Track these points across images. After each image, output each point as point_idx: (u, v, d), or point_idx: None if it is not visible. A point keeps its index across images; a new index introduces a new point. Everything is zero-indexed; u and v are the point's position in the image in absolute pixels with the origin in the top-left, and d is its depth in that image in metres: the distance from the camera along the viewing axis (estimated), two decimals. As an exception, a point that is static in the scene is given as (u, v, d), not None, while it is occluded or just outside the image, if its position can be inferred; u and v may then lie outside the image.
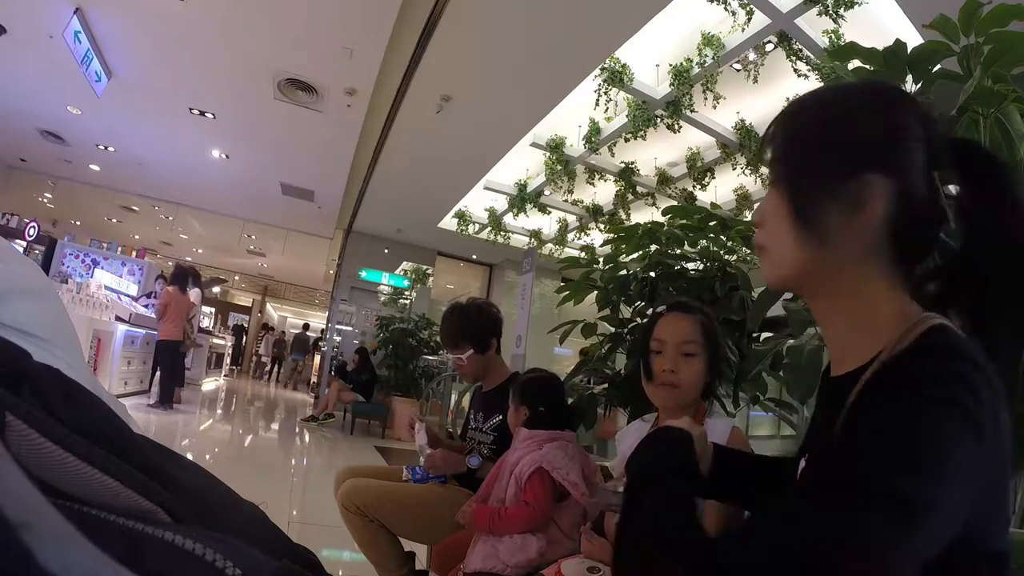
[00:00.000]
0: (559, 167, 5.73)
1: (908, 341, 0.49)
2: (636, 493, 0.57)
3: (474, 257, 9.63)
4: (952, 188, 0.56)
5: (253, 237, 10.69)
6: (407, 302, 9.04)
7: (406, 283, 9.26)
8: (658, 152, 5.70)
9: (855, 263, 0.54)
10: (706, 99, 4.34)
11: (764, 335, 1.59)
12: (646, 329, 1.13)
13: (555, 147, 5.53)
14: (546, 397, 1.53)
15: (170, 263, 13.65)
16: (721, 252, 1.83)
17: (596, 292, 1.97)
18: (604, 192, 6.46)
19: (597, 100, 4.41)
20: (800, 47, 3.86)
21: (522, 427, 1.49)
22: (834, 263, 0.55)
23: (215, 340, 10.61)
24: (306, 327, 14.54)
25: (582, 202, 6.78)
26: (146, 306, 7.08)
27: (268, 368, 15.62)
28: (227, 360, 12.77)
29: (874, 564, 0.40)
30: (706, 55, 4.02)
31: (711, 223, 1.78)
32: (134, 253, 8.81)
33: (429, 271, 9.48)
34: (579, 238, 7.61)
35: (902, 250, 0.54)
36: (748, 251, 1.85)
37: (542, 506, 1.35)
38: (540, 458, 1.37)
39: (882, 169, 0.52)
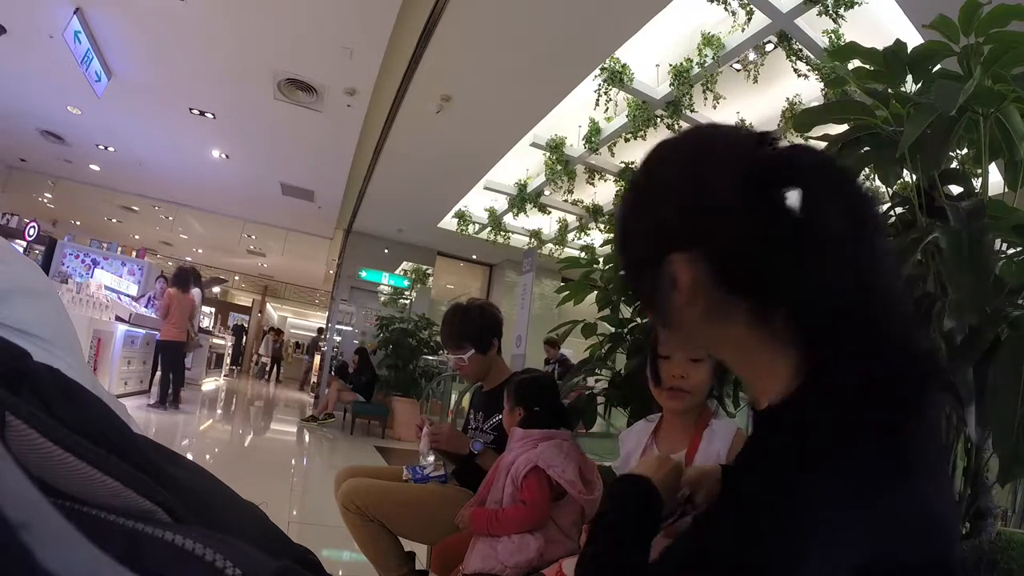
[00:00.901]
0: (559, 167, 5.73)
1: (793, 387, 0.49)
2: (591, 547, 0.61)
3: (474, 257, 9.63)
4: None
5: (253, 237, 10.69)
6: (407, 302, 9.04)
7: (406, 283, 9.26)
8: (658, 152, 5.70)
9: (710, 324, 0.54)
10: (706, 99, 4.34)
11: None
12: (654, 334, 1.14)
13: (555, 147, 5.53)
14: (541, 397, 1.52)
15: (170, 263, 13.68)
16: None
17: (596, 292, 1.97)
18: (604, 192, 6.46)
19: (597, 100, 4.41)
20: (800, 47, 3.86)
21: (517, 427, 1.49)
22: (691, 328, 0.56)
23: (215, 340, 10.61)
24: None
25: (582, 202, 6.78)
26: (145, 306, 7.08)
27: (268, 368, 15.67)
28: (227, 360, 12.77)
29: None
30: (706, 55, 4.02)
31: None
32: (134, 253, 8.81)
33: (429, 271, 9.48)
34: (579, 238, 7.61)
35: (750, 295, 0.52)
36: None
37: (539, 505, 1.35)
38: (535, 457, 1.37)
39: (682, 243, 0.52)
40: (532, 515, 1.34)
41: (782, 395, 0.49)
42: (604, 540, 0.60)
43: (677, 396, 1.07)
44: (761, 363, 0.53)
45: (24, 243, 7.38)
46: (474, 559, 1.34)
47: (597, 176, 5.98)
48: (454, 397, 6.04)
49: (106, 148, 6.93)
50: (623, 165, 5.77)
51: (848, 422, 0.43)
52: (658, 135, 4.96)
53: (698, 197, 0.53)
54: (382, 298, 9.08)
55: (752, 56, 4.09)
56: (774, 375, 0.51)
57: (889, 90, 1.16)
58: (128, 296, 7.41)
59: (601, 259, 2.02)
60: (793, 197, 0.49)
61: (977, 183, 1.15)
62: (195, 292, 6.13)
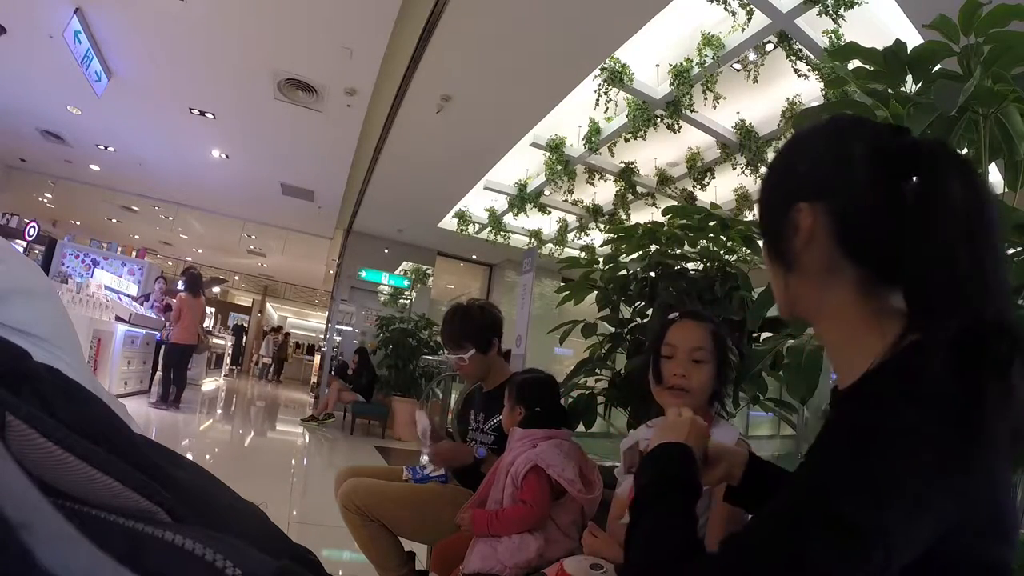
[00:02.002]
0: (559, 167, 5.73)
1: (880, 360, 0.51)
2: (638, 513, 0.61)
3: (474, 257, 9.63)
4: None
5: (253, 237, 10.69)
6: (407, 302, 9.03)
7: (406, 283, 9.26)
8: (658, 152, 5.70)
9: (821, 283, 0.60)
10: (706, 99, 4.34)
11: (764, 335, 1.59)
12: (657, 334, 1.15)
13: (555, 147, 5.52)
14: (543, 397, 1.53)
15: (170, 263, 13.68)
16: (721, 252, 1.83)
17: (596, 292, 1.97)
18: (604, 192, 6.46)
19: (597, 100, 4.41)
20: (800, 47, 3.85)
21: (516, 427, 1.49)
22: (804, 285, 0.61)
23: (215, 340, 10.61)
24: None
25: (582, 202, 6.78)
26: (144, 305, 7.08)
27: (270, 368, 15.69)
28: (227, 360, 12.77)
29: None
30: (706, 55, 4.02)
31: (711, 223, 1.78)
32: (134, 253, 8.81)
33: (429, 271, 9.47)
34: (579, 238, 7.61)
35: (864, 264, 0.57)
36: (748, 251, 1.85)
37: (539, 504, 1.35)
38: (535, 456, 1.37)
39: (810, 195, 0.59)
40: (532, 514, 1.34)
41: (868, 370, 0.52)
42: (656, 515, 0.59)
43: (678, 396, 1.07)
44: (858, 337, 0.57)
45: (24, 243, 7.38)
46: (474, 559, 1.34)
47: (597, 176, 5.98)
48: (454, 397, 6.04)
49: (106, 148, 6.92)
50: (623, 165, 5.77)
51: (943, 403, 0.45)
52: (658, 135, 4.97)
53: (832, 158, 0.60)
54: (382, 298, 9.08)
55: (752, 56, 4.08)
56: (868, 351, 0.54)
57: (889, 90, 1.16)
58: (128, 296, 7.41)
59: (601, 259, 2.02)
60: (926, 178, 0.55)
61: (977, 183, 1.14)
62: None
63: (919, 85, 1.16)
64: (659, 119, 4.71)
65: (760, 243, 0.72)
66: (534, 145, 5.56)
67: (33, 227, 7.64)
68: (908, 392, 0.46)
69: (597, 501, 1.41)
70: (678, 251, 1.85)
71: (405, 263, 9.38)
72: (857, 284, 0.58)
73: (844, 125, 0.63)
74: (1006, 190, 1.12)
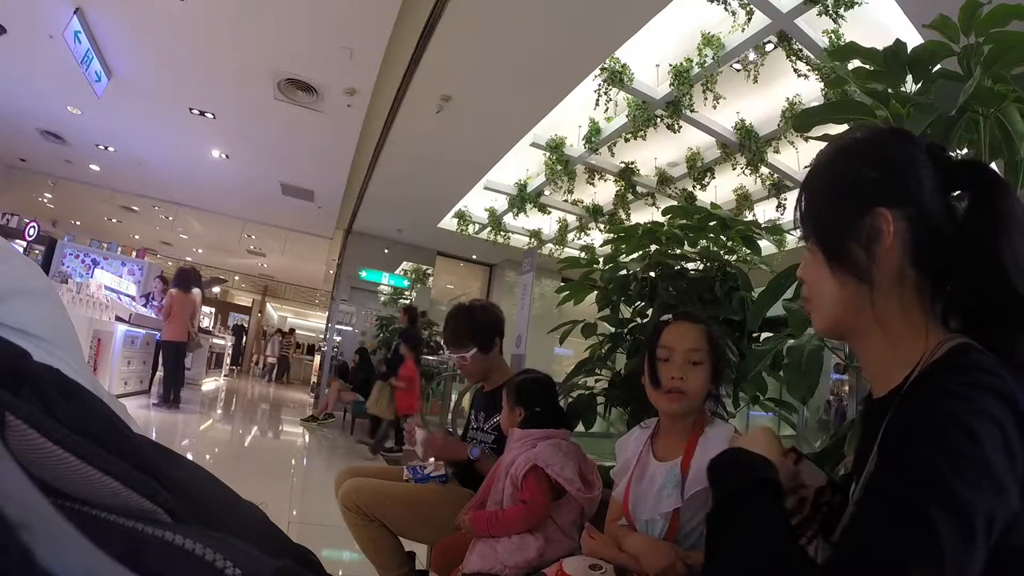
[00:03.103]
0: (559, 167, 5.73)
1: (934, 358, 0.54)
2: (726, 514, 0.57)
3: (474, 257, 9.63)
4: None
5: (253, 237, 10.69)
6: (407, 302, 9.03)
7: (406, 283, 9.26)
8: (658, 152, 5.70)
9: (885, 292, 0.60)
10: (706, 99, 4.34)
11: (764, 335, 1.59)
12: (652, 337, 1.15)
13: (555, 147, 5.52)
14: (542, 397, 1.53)
15: (170, 263, 13.68)
16: (721, 252, 1.83)
17: (596, 292, 1.97)
18: (604, 192, 6.46)
19: (597, 100, 4.41)
20: (800, 47, 3.86)
21: (515, 428, 1.49)
22: (868, 294, 0.60)
23: (215, 340, 10.61)
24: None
25: (582, 202, 6.78)
26: (144, 305, 7.08)
27: (274, 368, 15.69)
28: (227, 360, 12.77)
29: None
30: (706, 55, 4.02)
31: (711, 223, 1.78)
32: (134, 253, 8.80)
33: (429, 271, 9.47)
34: (579, 238, 7.61)
35: (925, 273, 0.59)
36: (748, 251, 1.85)
37: (539, 504, 1.35)
38: (534, 456, 1.37)
39: (889, 201, 0.59)
40: (532, 513, 1.34)
41: (919, 370, 0.55)
42: (751, 520, 0.54)
43: (675, 398, 1.07)
44: (902, 345, 0.59)
45: (24, 243, 7.38)
46: (474, 559, 1.34)
47: (597, 176, 5.98)
48: (454, 397, 6.03)
49: (106, 148, 6.92)
50: (623, 165, 5.77)
51: (1003, 389, 0.48)
52: (658, 135, 4.97)
53: (907, 164, 0.60)
54: (382, 298, 9.08)
55: (752, 56, 4.08)
56: (909, 358, 0.57)
57: (889, 90, 1.16)
58: (128, 296, 7.41)
59: (601, 259, 2.02)
60: (979, 192, 0.58)
61: (977, 183, 1.14)
62: (195, 292, 6.15)
63: (919, 85, 1.16)
64: (659, 119, 4.71)
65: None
66: (534, 145, 5.56)
67: (33, 227, 7.64)
68: (973, 382, 0.48)
69: (596, 501, 1.41)
70: (678, 251, 1.85)
71: (405, 263, 9.38)
72: (916, 293, 0.59)
73: (902, 133, 0.64)
74: (1006, 190, 1.12)
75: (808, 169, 0.69)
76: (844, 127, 1.20)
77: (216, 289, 15.15)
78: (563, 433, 1.49)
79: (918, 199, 0.59)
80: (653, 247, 1.87)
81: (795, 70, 3.93)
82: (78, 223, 11.42)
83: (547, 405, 1.52)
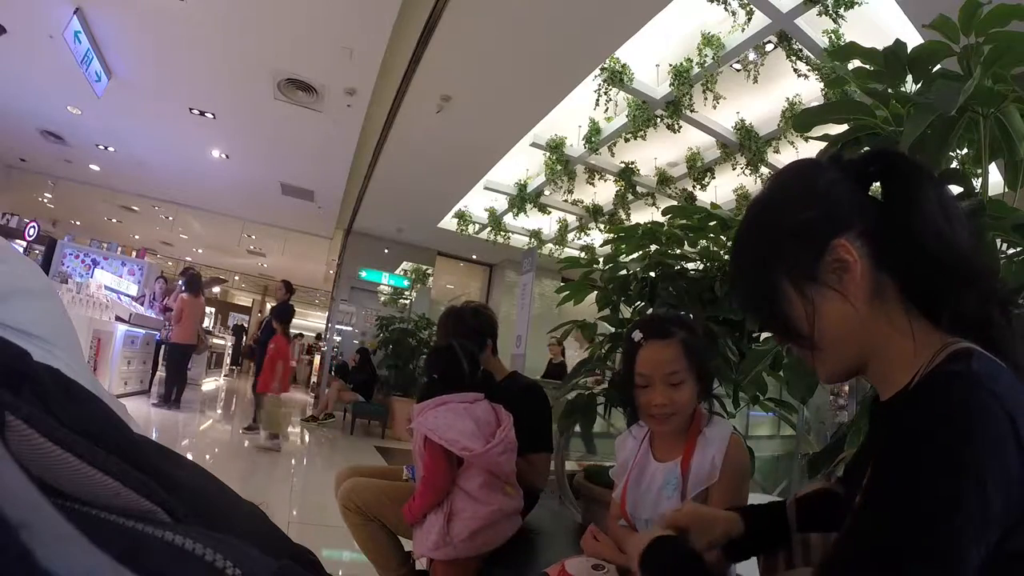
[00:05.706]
0: (559, 167, 5.73)
1: (933, 365, 0.54)
2: None
3: (474, 257, 9.63)
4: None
5: (253, 237, 10.69)
6: (407, 302, 9.04)
7: (406, 283, 9.26)
8: (658, 152, 5.70)
9: (874, 312, 0.60)
10: (706, 99, 4.34)
11: (764, 335, 1.59)
12: (626, 360, 1.08)
13: (555, 147, 5.52)
14: (436, 364, 1.49)
15: (170, 263, 13.68)
16: (721, 252, 1.83)
17: (596, 292, 1.97)
18: (604, 192, 6.46)
19: (597, 100, 4.41)
20: (800, 47, 3.86)
21: (414, 403, 1.48)
22: (864, 320, 0.60)
23: (215, 340, 10.61)
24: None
25: (582, 202, 6.78)
26: (144, 306, 7.08)
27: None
28: (227, 360, 12.77)
29: None
30: (706, 55, 4.02)
31: (711, 223, 1.78)
32: (134, 253, 8.80)
33: (429, 271, 9.47)
34: (579, 238, 7.61)
35: (898, 273, 0.60)
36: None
37: (437, 472, 1.33)
38: (420, 426, 1.37)
39: (839, 229, 0.60)
40: (432, 484, 1.33)
41: (919, 377, 0.56)
42: None
43: (663, 421, 1.05)
44: (898, 352, 0.59)
45: (24, 243, 7.38)
46: (416, 549, 1.38)
47: (597, 176, 5.98)
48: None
49: (106, 148, 6.92)
50: (623, 165, 5.77)
51: (995, 408, 0.48)
52: (658, 135, 4.97)
53: (835, 188, 0.62)
54: (382, 298, 9.08)
55: (752, 56, 4.08)
56: (907, 363, 0.58)
57: (889, 90, 1.16)
58: (128, 296, 7.40)
59: (601, 259, 2.02)
60: (894, 182, 0.62)
61: (977, 183, 1.15)
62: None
63: (919, 85, 1.16)
64: (659, 119, 4.71)
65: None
66: (534, 145, 5.55)
67: (33, 227, 7.64)
68: (953, 410, 0.48)
69: (501, 457, 1.37)
70: (678, 251, 1.85)
71: (405, 263, 9.38)
72: (899, 300, 0.60)
73: (807, 165, 0.67)
74: (1006, 190, 1.12)
75: (730, 256, 0.70)
76: (844, 127, 1.21)
77: (216, 289, 15.15)
78: (459, 396, 1.42)
79: (858, 212, 0.61)
80: (653, 247, 1.87)
81: (795, 70, 3.93)
82: (78, 223, 11.41)
83: (443, 371, 1.47)
